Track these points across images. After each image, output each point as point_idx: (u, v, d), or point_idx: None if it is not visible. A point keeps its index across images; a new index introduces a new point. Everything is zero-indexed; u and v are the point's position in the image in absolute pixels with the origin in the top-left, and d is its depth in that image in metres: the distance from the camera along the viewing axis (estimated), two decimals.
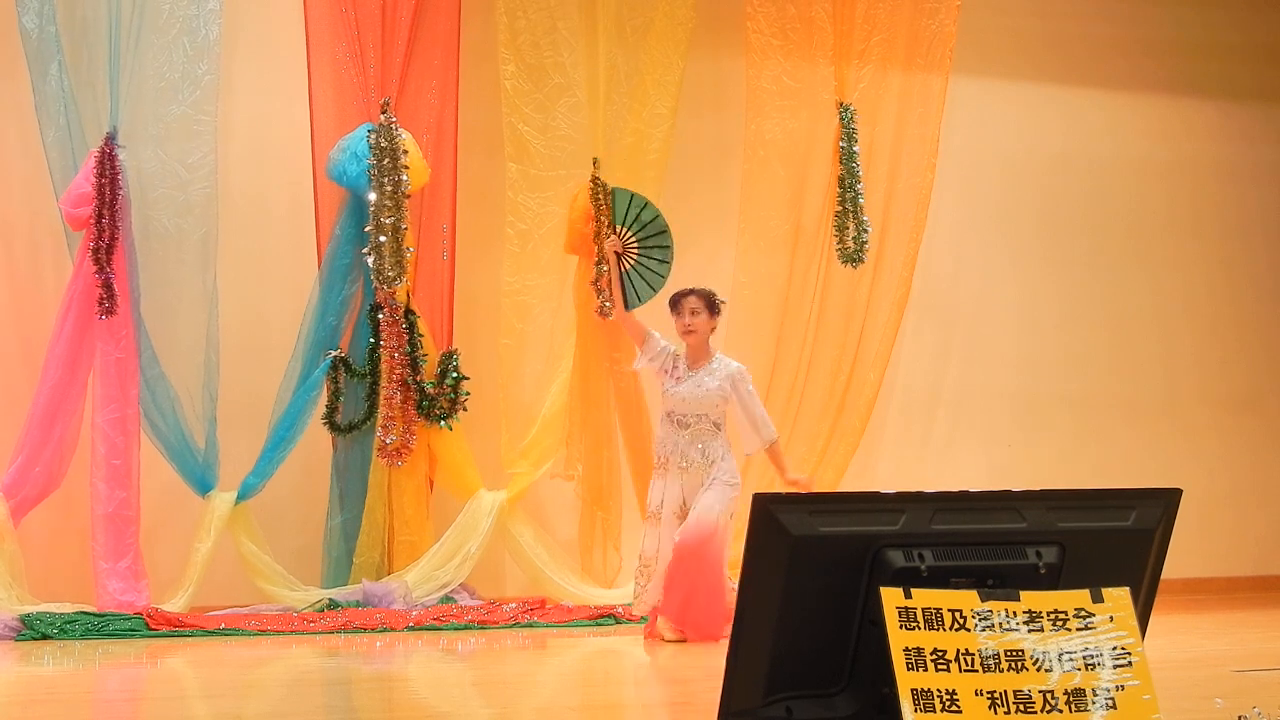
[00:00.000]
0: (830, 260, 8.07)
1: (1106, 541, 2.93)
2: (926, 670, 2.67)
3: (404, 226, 7.15)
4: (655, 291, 6.94)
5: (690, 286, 6.42)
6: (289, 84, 7.37)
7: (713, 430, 6.31)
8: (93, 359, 6.79)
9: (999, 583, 2.82)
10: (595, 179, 7.53)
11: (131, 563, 6.71)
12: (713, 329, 6.42)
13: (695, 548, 5.97)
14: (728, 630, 6.05)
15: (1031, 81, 9.03)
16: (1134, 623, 2.80)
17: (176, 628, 6.40)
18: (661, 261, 6.98)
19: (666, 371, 6.38)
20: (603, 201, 7.48)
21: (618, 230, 7.02)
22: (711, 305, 6.38)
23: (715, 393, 6.29)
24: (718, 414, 6.33)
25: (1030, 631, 2.74)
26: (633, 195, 7.11)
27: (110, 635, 6.27)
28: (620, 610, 6.91)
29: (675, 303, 6.41)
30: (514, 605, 6.97)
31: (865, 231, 8.02)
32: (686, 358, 6.39)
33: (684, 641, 6.00)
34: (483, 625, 6.67)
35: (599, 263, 7.44)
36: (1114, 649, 2.76)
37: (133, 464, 6.80)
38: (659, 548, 6.20)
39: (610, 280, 6.99)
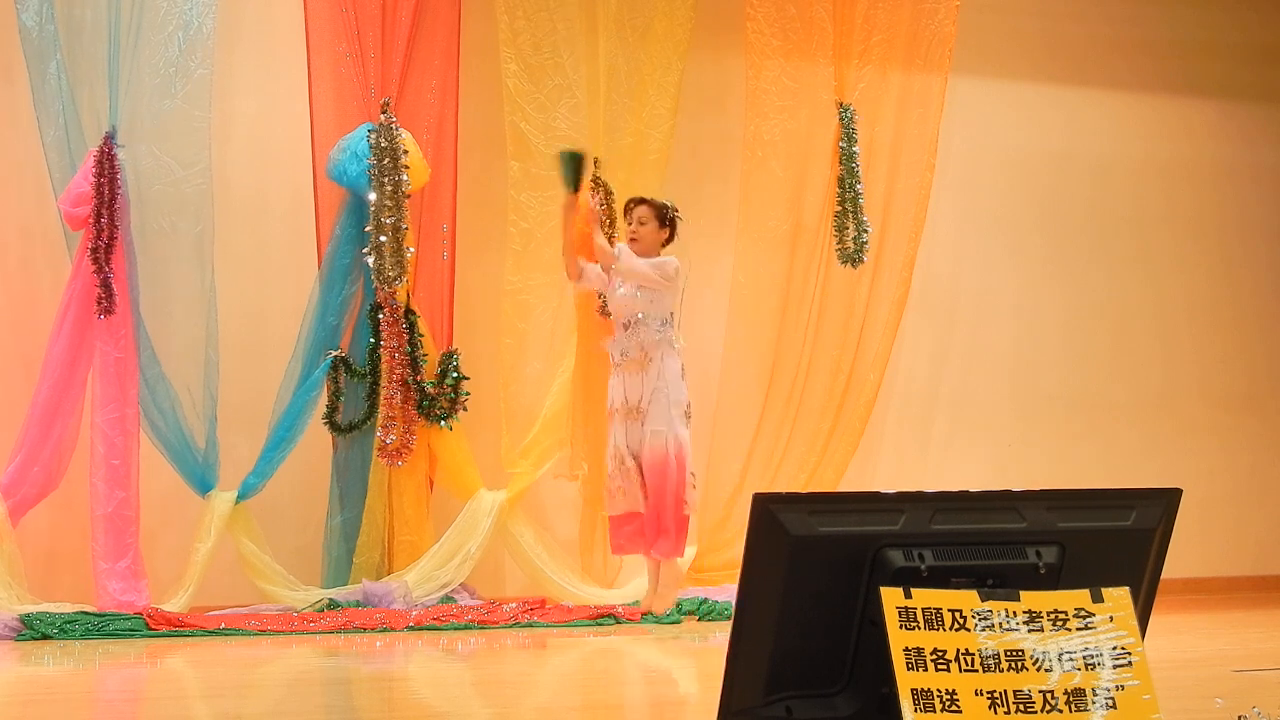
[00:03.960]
0: (830, 260, 8.07)
1: (1106, 541, 2.93)
2: (926, 670, 2.67)
3: (404, 226, 7.15)
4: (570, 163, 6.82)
5: (640, 196, 6.88)
6: (288, 83, 7.37)
7: (654, 329, 6.74)
8: (92, 358, 6.79)
9: (999, 583, 2.82)
10: (596, 179, 7.53)
11: (131, 563, 6.71)
12: (662, 242, 6.87)
13: (660, 480, 6.61)
14: (676, 548, 6.65)
15: (1031, 81, 9.03)
16: (1134, 623, 2.80)
17: (176, 628, 6.40)
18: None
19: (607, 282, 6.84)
20: (604, 202, 7.48)
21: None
22: (662, 217, 6.83)
23: (632, 290, 6.74)
24: (657, 311, 6.75)
25: (1030, 631, 2.74)
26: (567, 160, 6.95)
27: (110, 635, 6.27)
28: (620, 610, 6.91)
29: (626, 210, 6.93)
30: (514, 605, 6.97)
31: (865, 231, 8.02)
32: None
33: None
34: (483, 625, 6.67)
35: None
36: (1114, 649, 2.76)
37: (132, 464, 6.80)
38: (613, 444, 6.79)
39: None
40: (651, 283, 6.77)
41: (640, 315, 6.76)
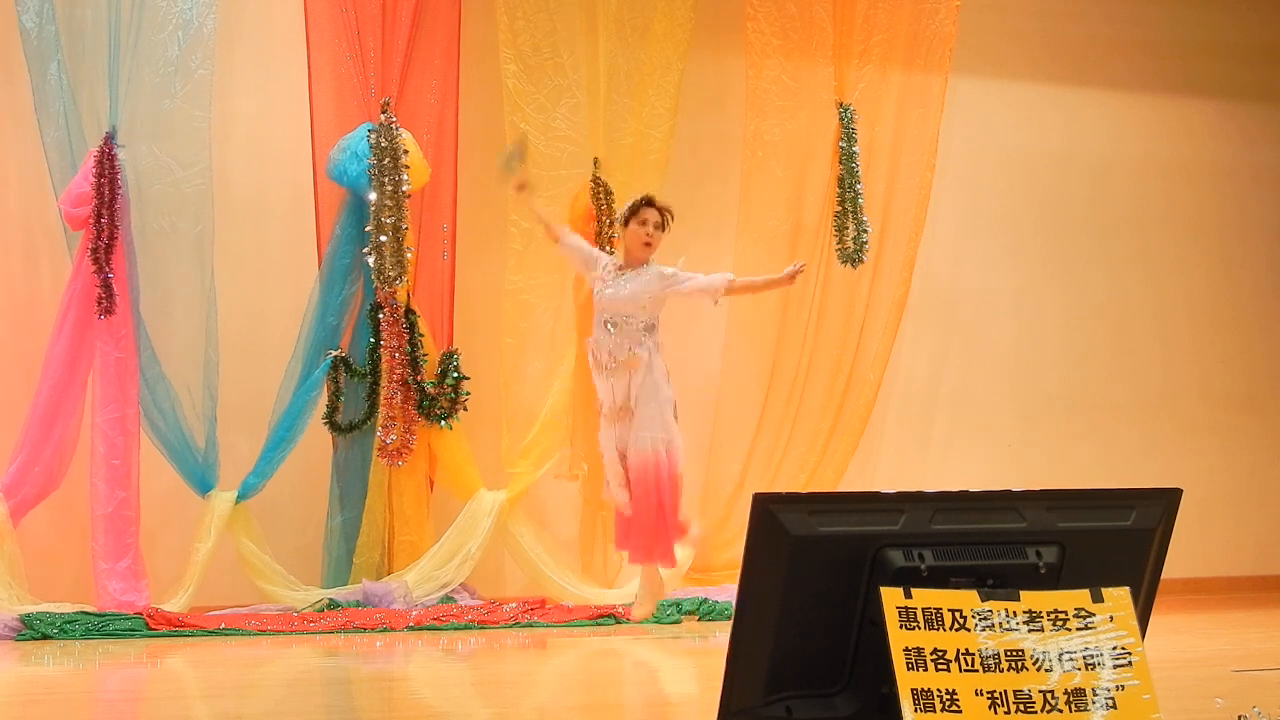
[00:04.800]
0: (830, 260, 8.07)
1: (1106, 541, 2.93)
2: (926, 670, 2.67)
3: (404, 226, 7.15)
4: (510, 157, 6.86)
5: (653, 200, 6.69)
6: (288, 83, 7.37)
7: (641, 331, 6.57)
8: (92, 359, 6.79)
9: (999, 583, 2.82)
10: (596, 179, 7.54)
11: (131, 563, 6.71)
12: (657, 248, 6.72)
13: (638, 483, 6.50)
14: (666, 555, 6.56)
15: (1031, 81, 9.03)
16: (1134, 623, 2.80)
17: (176, 628, 6.40)
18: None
19: (599, 280, 6.68)
20: (603, 201, 7.49)
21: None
22: (667, 224, 6.72)
23: (640, 293, 6.59)
24: (647, 315, 6.62)
25: (1030, 631, 2.74)
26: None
27: (110, 635, 6.27)
28: (620, 610, 6.91)
29: (638, 210, 6.66)
30: (514, 605, 6.97)
31: (865, 231, 8.02)
32: (622, 264, 6.67)
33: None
34: (483, 625, 6.67)
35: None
36: (1114, 649, 2.76)
37: (133, 464, 6.80)
38: (605, 441, 6.70)
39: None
40: (686, 296, 6.72)
41: (628, 316, 6.63)
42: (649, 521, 6.56)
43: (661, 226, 6.69)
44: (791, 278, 6.71)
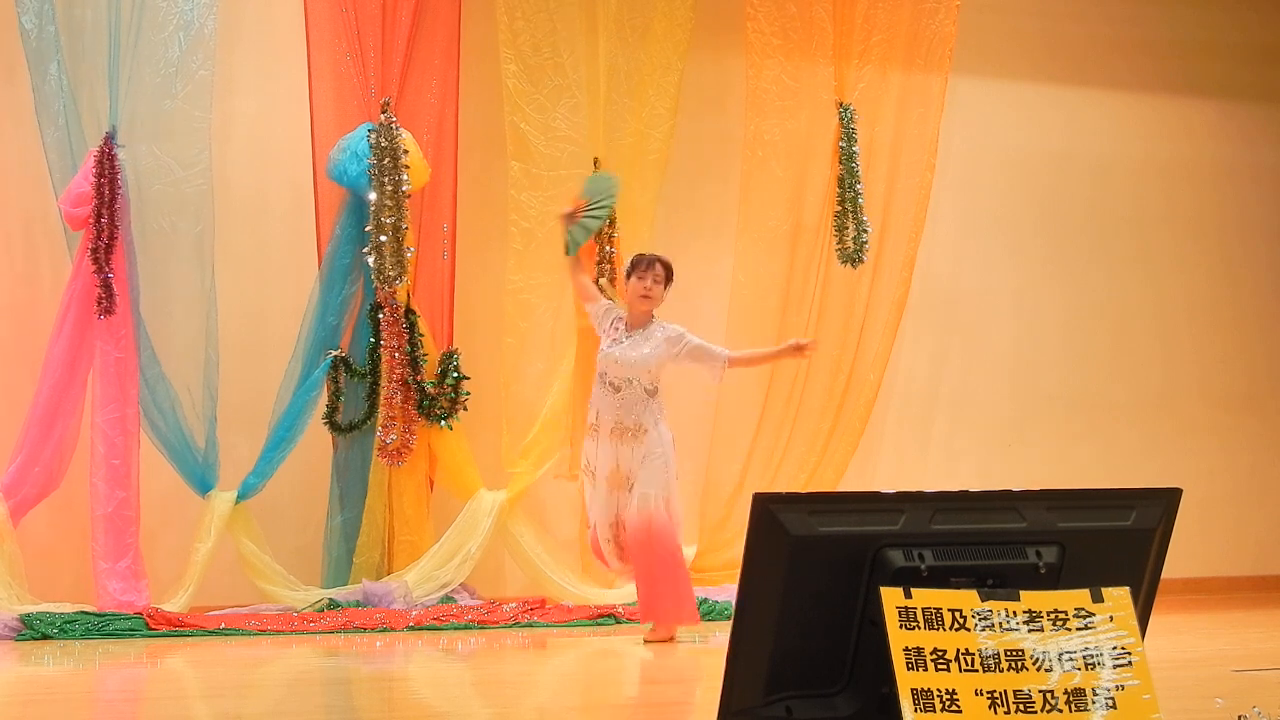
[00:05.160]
0: (830, 260, 8.07)
1: (1106, 541, 2.93)
2: (926, 670, 2.67)
3: (404, 226, 7.15)
4: (590, 232, 6.75)
5: (654, 254, 6.36)
6: (289, 83, 7.37)
7: (644, 396, 6.18)
8: (92, 358, 6.79)
9: (999, 582, 2.82)
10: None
11: (131, 563, 6.71)
12: (661, 302, 6.33)
13: (643, 542, 6.06)
14: (693, 611, 6.17)
15: (1031, 81, 9.03)
16: (1134, 622, 2.80)
17: (176, 628, 6.40)
18: (600, 205, 6.76)
19: (604, 332, 6.35)
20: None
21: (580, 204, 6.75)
22: (670, 278, 6.34)
23: (650, 357, 6.21)
24: (650, 379, 6.21)
25: (1030, 631, 2.74)
26: (599, 181, 6.96)
27: (110, 635, 6.27)
28: (620, 610, 6.91)
29: (638, 264, 6.30)
30: (514, 605, 6.97)
31: (865, 231, 8.02)
32: (628, 320, 6.32)
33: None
34: (483, 625, 6.67)
35: (600, 262, 7.46)
36: (1114, 649, 2.76)
37: (133, 464, 6.80)
38: (594, 509, 6.29)
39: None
40: (690, 361, 6.32)
41: (632, 380, 6.19)
42: (665, 581, 6.12)
43: (665, 280, 6.29)
44: (796, 349, 6.44)
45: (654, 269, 6.26)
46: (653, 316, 6.32)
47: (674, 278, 6.36)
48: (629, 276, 6.33)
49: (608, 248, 7.50)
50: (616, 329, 6.30)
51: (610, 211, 7.02)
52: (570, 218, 6.58)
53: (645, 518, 6.05)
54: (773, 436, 7.97)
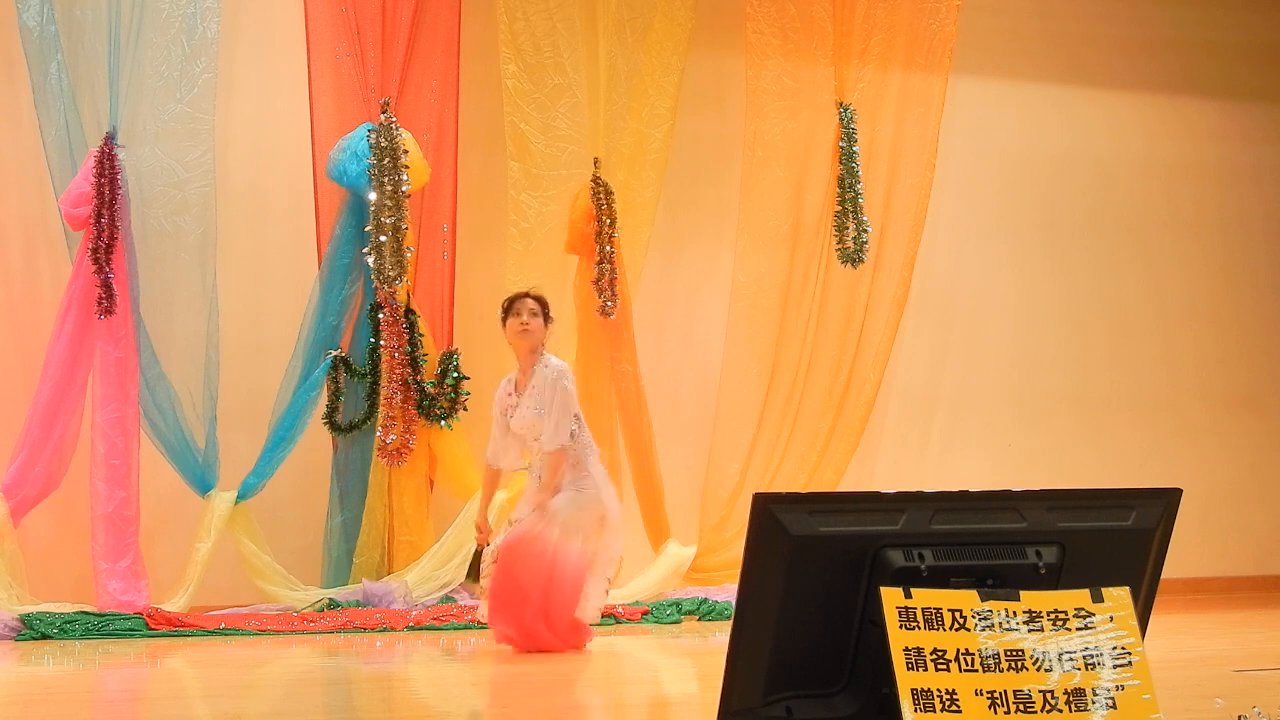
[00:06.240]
0: (830, 260, 8.07)
1: (1106, 541, 2.93)
2: (926, 670, 2.67)
3: (404, 226, 7.15)
4: None
5: (525, 290, 6.06)
6: (289, 83, 7.37)
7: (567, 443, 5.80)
8: (92, 359, 6.80)
9: (999, 583, 2.82)
10: (596, 179, 7.54)
11: (131, 563, 6.71)
12: (543, 339, 5.97)
13: (513, 547, 5.66)
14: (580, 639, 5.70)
15: (1031, 81, 9.03)
16: (1134, 622, 2.80)
17: (176, 628, 6.40)
18: None
19: (504, 411, 5.97)
20: (604, 201, 7.50)
21: None
22: (546, 313, 5.99)
23: (539, 415, 5.83)
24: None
25: (1030, 631, 2.74)
26: None
27: (110, 635, 6.27)
28: (620, 610, 6.90)
29: (511, 304, 5.97)
30: None
31: (865, 231, 8.03)
32: (517, 376, 5.97)
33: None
34: (483, 625, 6.66)
35: (600, 262, 7.46)
36: (1114, 649, 2.76)
37: (133, 464, 6.80)
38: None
39: None
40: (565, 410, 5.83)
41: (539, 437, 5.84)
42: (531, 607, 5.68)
43: (541, 313, 5.94)
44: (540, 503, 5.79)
45: (525, 302, 5.96)
46: (540, 352, 5.94)
47: (550, 314, 6.02)
48: (505, 322, 5.98)
49: (608, 248, 7.50)
50: (510, 397, 5.96)
51: None
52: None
53: (528, 530, 5.68)
54: (773, 436, 7.97)
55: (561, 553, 5.67)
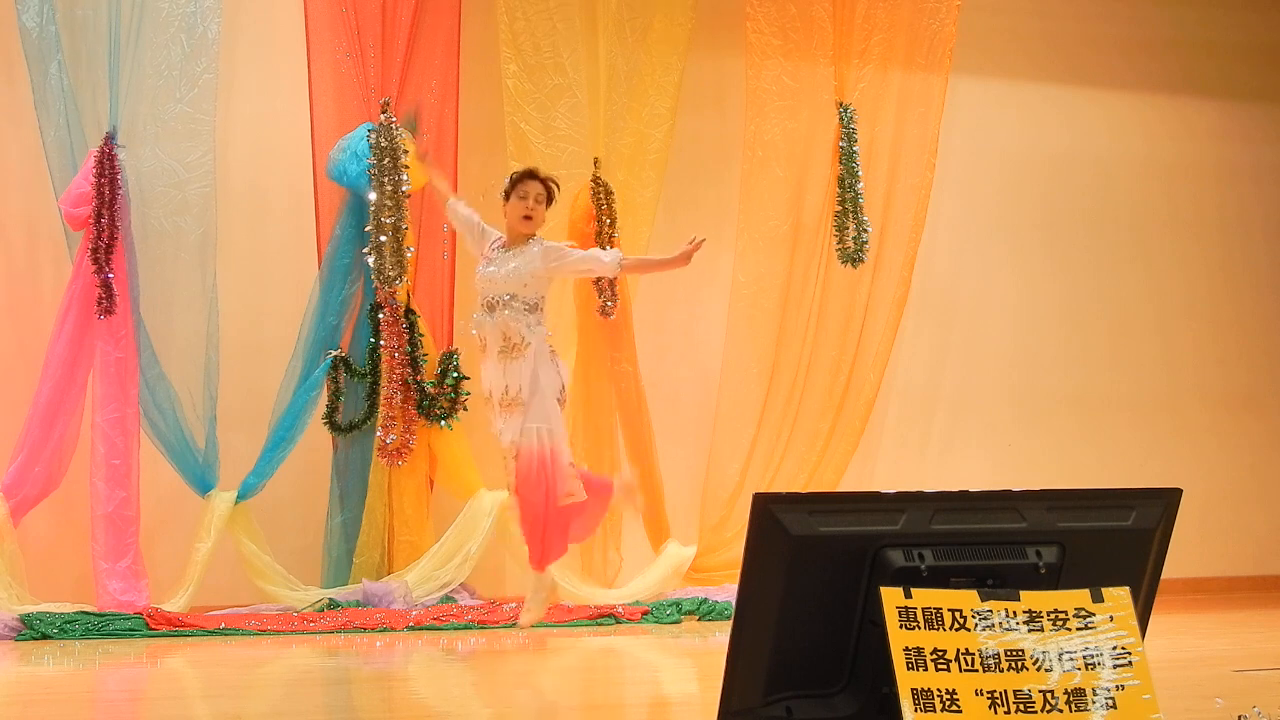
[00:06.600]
0: (830, 260, 8.07)
1: (1106, 541, 2.93)
2: (926, 670, 2.67)
3: (404, 226, 7.15)
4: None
5: (534, 170, 6.20)
6: (289, 83, 7.37)
7: (524, 312, 6.03)
8: (92, 359, 6.80)
9: (999, 583, 2.82)
10: (596, 179, 7.54)
11: (131, 563, 6.71)
12: (543, 223, 6.17)
13: (531, 481, 6.02)
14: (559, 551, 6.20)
15: (1031, 81, 9.03)
16: (1134, 622, 2.80)
17: (176, 628, 6.40)
18: None
19: (481, 254, 6.19)
20: (604, 201, 7.50)
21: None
22: (552, 197, 6.18)
23: (520, 270, 6.02)
24: (530, 294, 6.05)
25: (1030, 631, 2.74)
26: None
27: (110, 635, 6.27)
28: (620, 610, 6.91)
29: (516, 184, 6.10)
30: (514, 605, 6.96)
31: (865, 231, 8.03)
32: (506, 242, 6.15)
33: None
34: (483, 625, 6.67)
35: None
36: (1114, 649, 2.76)
37: (133, 464, 6.80)
38: (500, 431, 6.19)
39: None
40: (574, 273, 6.30)
41: (510, 296, 6.04)
42: (539, 518, 6.10)
43: (546, 200, 6.13)
44: (687, 257, 6.09)
45: (534, 186, 6.09)
46: (534, 236, 6.13)
47: (555, 198, 6.21)
48: (508, 197, 6.12)
49: (608, 248, 7.50)
50: (494, 250, 6.14)
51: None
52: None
53: (528, 455, 5.99)
54: (773, 436, 7.97)
55: (552, 450, 6.02)
